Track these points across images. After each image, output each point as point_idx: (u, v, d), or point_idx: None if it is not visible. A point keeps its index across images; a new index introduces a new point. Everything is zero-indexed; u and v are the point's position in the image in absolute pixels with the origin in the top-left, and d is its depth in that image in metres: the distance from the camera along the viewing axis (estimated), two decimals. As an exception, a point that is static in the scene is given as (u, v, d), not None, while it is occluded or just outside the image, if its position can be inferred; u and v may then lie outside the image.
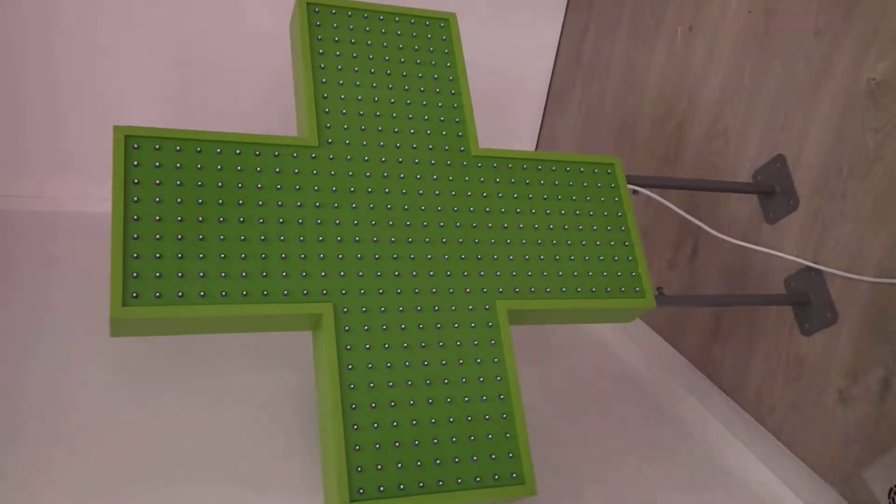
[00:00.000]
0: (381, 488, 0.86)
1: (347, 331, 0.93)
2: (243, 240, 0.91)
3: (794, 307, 1.30)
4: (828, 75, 1.25)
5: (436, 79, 1.11)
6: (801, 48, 1.30)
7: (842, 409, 1.21)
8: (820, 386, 1.25)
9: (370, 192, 1.01)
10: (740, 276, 1.43)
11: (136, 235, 0.86)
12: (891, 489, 1.11)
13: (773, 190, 1.33)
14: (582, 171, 1.14)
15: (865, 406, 1.17)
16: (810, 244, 1.27)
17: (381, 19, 1.11)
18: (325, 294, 0.93)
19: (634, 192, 1.19)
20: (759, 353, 1.38)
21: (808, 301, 1.26)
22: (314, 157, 0.99)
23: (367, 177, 1.01)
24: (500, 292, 1.02)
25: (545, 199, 1.10)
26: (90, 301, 1.18)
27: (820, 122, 1.26)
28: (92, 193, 1.66)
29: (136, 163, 0.89)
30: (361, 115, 1.04)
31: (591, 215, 1.12)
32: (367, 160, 1.02)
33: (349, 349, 0.92)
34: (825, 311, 1.24)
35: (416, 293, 0.98)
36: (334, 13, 1.08)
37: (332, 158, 1.00)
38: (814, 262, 1.25)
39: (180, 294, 0.86)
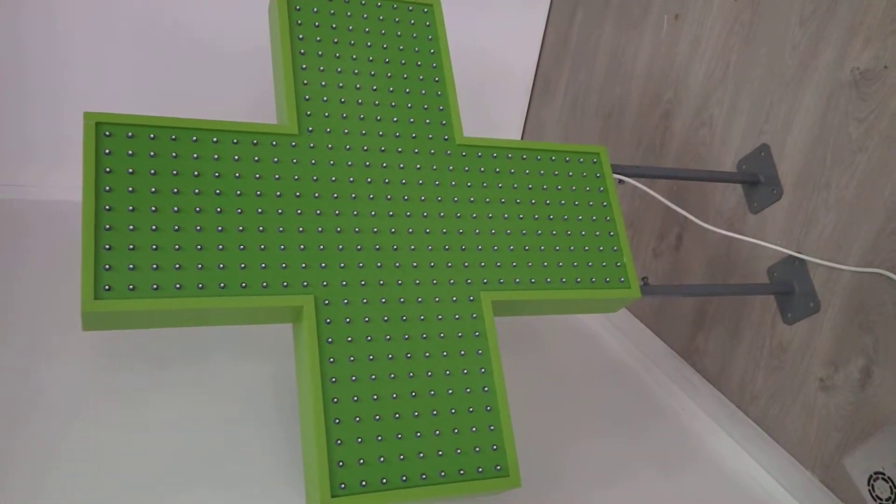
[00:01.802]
0: (364, 483, 0.85)
1: (329, 323, 0.91)
2: (221, 230, 0.89)
3: (777, 296, 1.30)
4: (812, 65, 1.24)
5: (419, 66, 1.09)
6: (787, 37, 1.29)
7: (823, 398, 1.21)
8: (802, 374, 1.25)
9: (352, 181, 0.98)
10: (724, 266, 1.43)
11: (108, 226, 0.84)
12: (870, 476, 1.12)
13: (758, 179, 1.33)
14: (567, 161, 1.13)
15: (846, 394, 1.18)
16: (794, 234, 1.27)
17: (363, 4, 1.08)
18: (305, 286, 0.91)
19: (620, 181, 1.18)
20: (742, 342, 1.38)
21: (791, 290, 1.26)
22: (294, 146, 0.97)
23: (349, 166, 0.99)
24: (485, 283, 1.01)
25: (530, 188, 1.08)
26: (64, 293, 1.15)
27: (804, 112, 1.26)
28: (67, 182, 1.62)
29: (107, 151, 0.87)
30: (343, 102, 1.02)
31: (576, 205, 1.10)
32: (348, 149, 1.00)
33: (331, 342, 0.90)
34: (808, 301, 1.24)
35: (400, 284, 0.96)
36: (314, -3, 1.05)
37: (312, 147, 0.98)
38: (797, 252, 1.25)
39: (155, 286, 0.83)
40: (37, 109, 1.64)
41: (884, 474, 1.09)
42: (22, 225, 1.56)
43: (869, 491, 1.11)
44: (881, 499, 1.09)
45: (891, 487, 1.07)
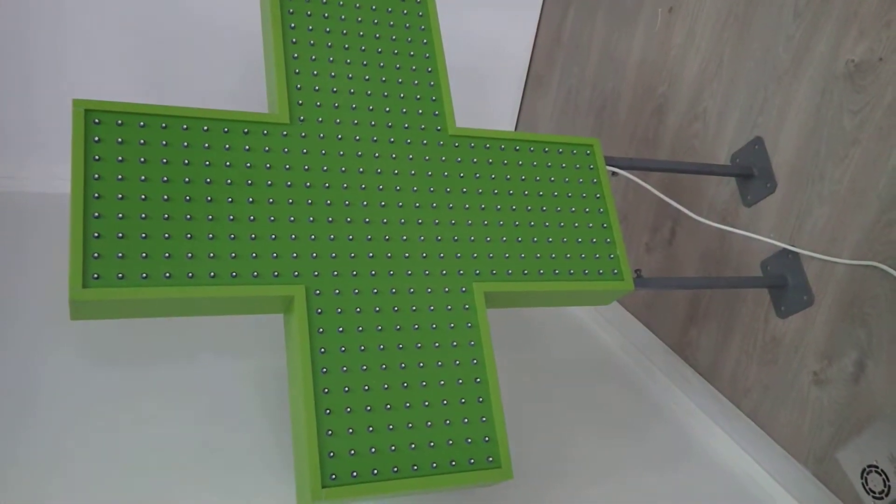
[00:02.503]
0: (355, 473, 0.85)
1: (320, 313, 0.90)
2: (211, 219, 0.88)
3: (770, 290, 1.30)
4: (807, 57, 1.24)
5: (412, 56, 1.08)
6: (781, 30, 1.29)
7: (816, 391, 1.21)
8: (795, 368, 1.25)
9: (344, 171, 0.98)
10: (718, 260, 1.43)
11: (97, 214, 0.83)
12: (864, 469, 1.12)
13: (752, 172, 1.32)
14: (561, 152, 1.12)
15: (839, 388, 1.17)
16: (787, 227, 1.27)
17: (356, -7, 1.07)
18: (296, 276, 0.90)
19: (613, 173, 1.17)
20: (735, 335, 1.38)
21: (784, 284, 1.26)
22: (286, 135, 0.96)
23: (341, 155, 0.98)
24: (477, 274, 1.00)
25: (523, 179, 1.08)
26: (57, 283, 1.14)
27: (798, 105, 1.25)
28: (61, 174, 1.61)
29: (97, 138, 0.86)
30: (335, 91, 1.01)
31: (569, 197, 1.10)
32: (340, 138, 0.99)
33: (322, 332, 0.89)
34: (801, 294, 1.24)
35: (392, 275, 0.95)
36: (306, -14, 1.04)
37: (304, 136, 0.97)
38: (791, 245, 1.25)
39: (144, 275, 0.83)
40: (39, 102, 1.63)
41: (877, 467, 1.09)
42: (23, 217, 1.55)
43: (862, 484, 1.11)
44: (874, 492, 1.09)
45: (884, 480, 1.07)
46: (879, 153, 1.12)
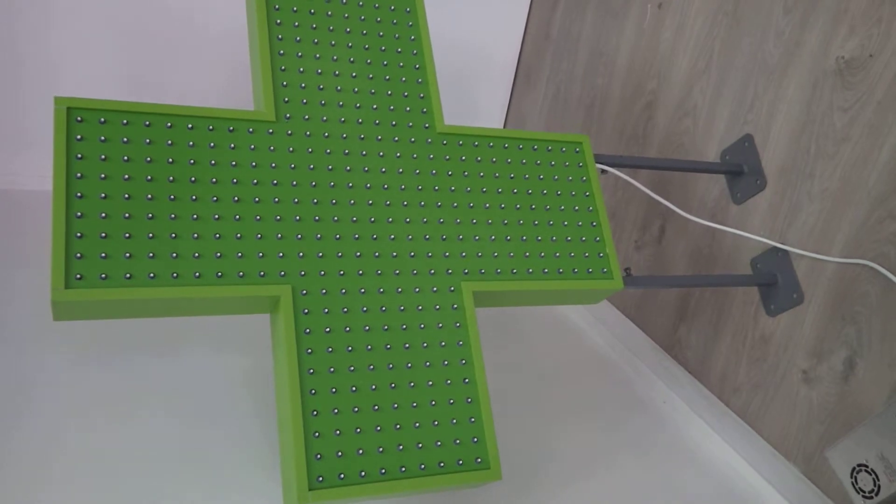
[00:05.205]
0: (342, 475, 0.84)
1: (307, 313, 0.89)
2: (196, 219, 0.87)
3: (760, 288, 1.30)
4: (797, 54, 1.24)
5: (399, 52, 1.07)
6: (771, 26, 1.29)
7: (806, 390, 1.21)
8: (784, 366, 1.25)
9: (331, 169, 0.97)
10: (707, 258, 1.43)
11: (79, 214, 0.81)
12: (853, 469, 1.11)
13: (741, 170, 1.32)
14: (550, 150, 1.11)
15: (829, 386, 1.17)
16: (777, 224, 1.26)
17: (343, -11, 1.06)
18: (282, 275, 0.89)
19: (603, 171, 1.16)
20: (724, 334, 1.38)
21: (774, 282, 1.26)
22: (271, 133, 0.95)
23: (328, 154, 0.97)
24: (466, 273, 0.99)
25: (512, 177, 1.07)
26: (47, 282, 1.13)
27: (788, 101, 1.25)
28: (51, 171, 1.59)
29: (79, 137, 0.84)
30: (321, 88, 1.00)
31: (558, 195, 1.09)
32: (327, 136, 0.98)
33: (308, 333, 0.88)
34: (791, 292, 1.23)
35: (379, 274, 0.95)
36: (293, -19, 1.03)
37: (290, 134, 0.96)
38: (780, 243, 1.25)
39: (128, 275, 0.81)
40: (31, 99, 1.60)
41: (867, 466, 1.09)
42: (14, 215, 1.53)
43: (852, 483, 1.10)
44: (864, 491, 1.08)
45: (874, 479, 1.07)
46: (870, 150, 1.12)
